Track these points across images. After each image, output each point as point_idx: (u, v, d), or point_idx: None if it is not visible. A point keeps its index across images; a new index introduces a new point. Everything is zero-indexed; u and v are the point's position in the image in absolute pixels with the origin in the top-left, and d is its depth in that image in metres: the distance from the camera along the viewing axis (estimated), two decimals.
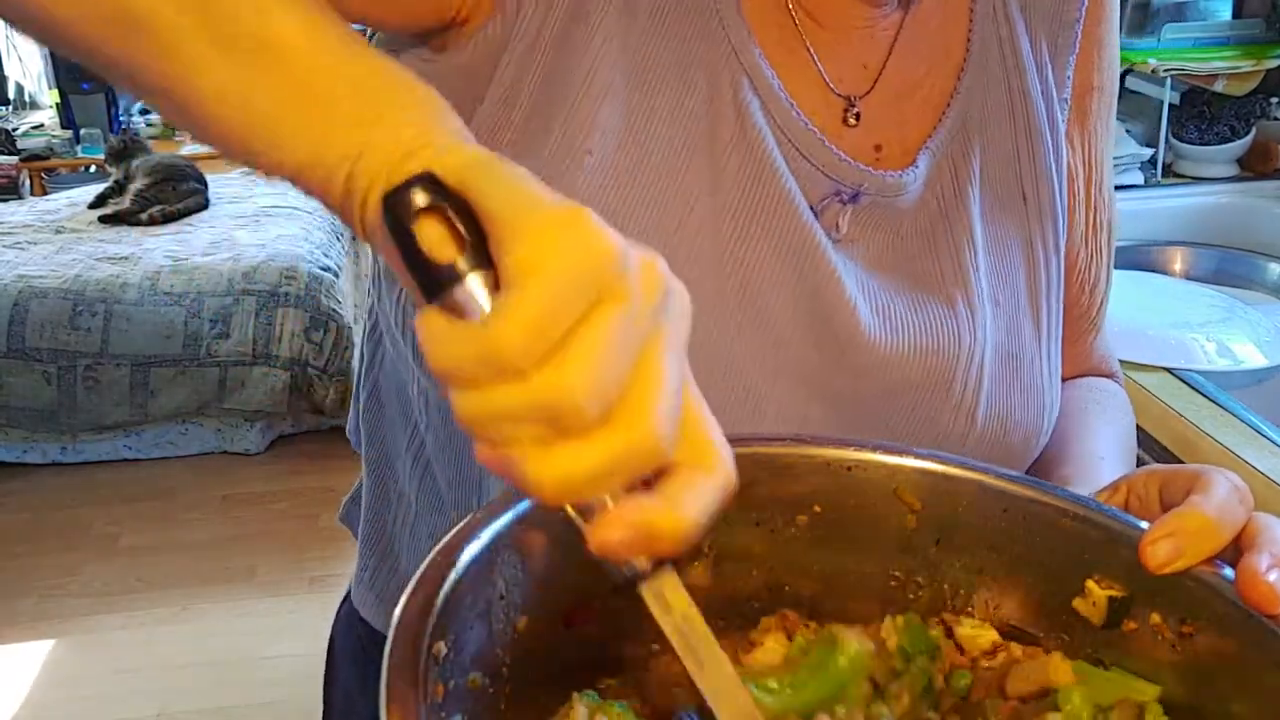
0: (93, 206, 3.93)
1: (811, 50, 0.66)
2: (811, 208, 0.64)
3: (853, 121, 0.67)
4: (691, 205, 0.62)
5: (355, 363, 0.87)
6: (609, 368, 0.35)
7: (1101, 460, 0.69)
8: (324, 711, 0.91)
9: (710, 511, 0.39)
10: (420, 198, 0.36)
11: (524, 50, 0.61)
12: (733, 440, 0.52)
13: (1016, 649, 0.51)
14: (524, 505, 0.45)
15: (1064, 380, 0.75)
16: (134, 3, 0.41)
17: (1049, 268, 0.71)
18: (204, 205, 3.93)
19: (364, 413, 0.82)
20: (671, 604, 0.40)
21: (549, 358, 0.34)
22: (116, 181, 3.99)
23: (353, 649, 0.86)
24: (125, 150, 3.98)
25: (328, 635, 0.91)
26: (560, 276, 0.35)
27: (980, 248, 0.68)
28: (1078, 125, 0.74)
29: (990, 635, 0.51)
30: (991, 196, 0.69)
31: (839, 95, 0.67)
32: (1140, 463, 0.75)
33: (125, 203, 3.85)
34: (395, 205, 0.36)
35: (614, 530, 0.37)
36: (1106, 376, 0.82)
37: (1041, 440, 0.71)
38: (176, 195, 3.85)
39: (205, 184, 3.97)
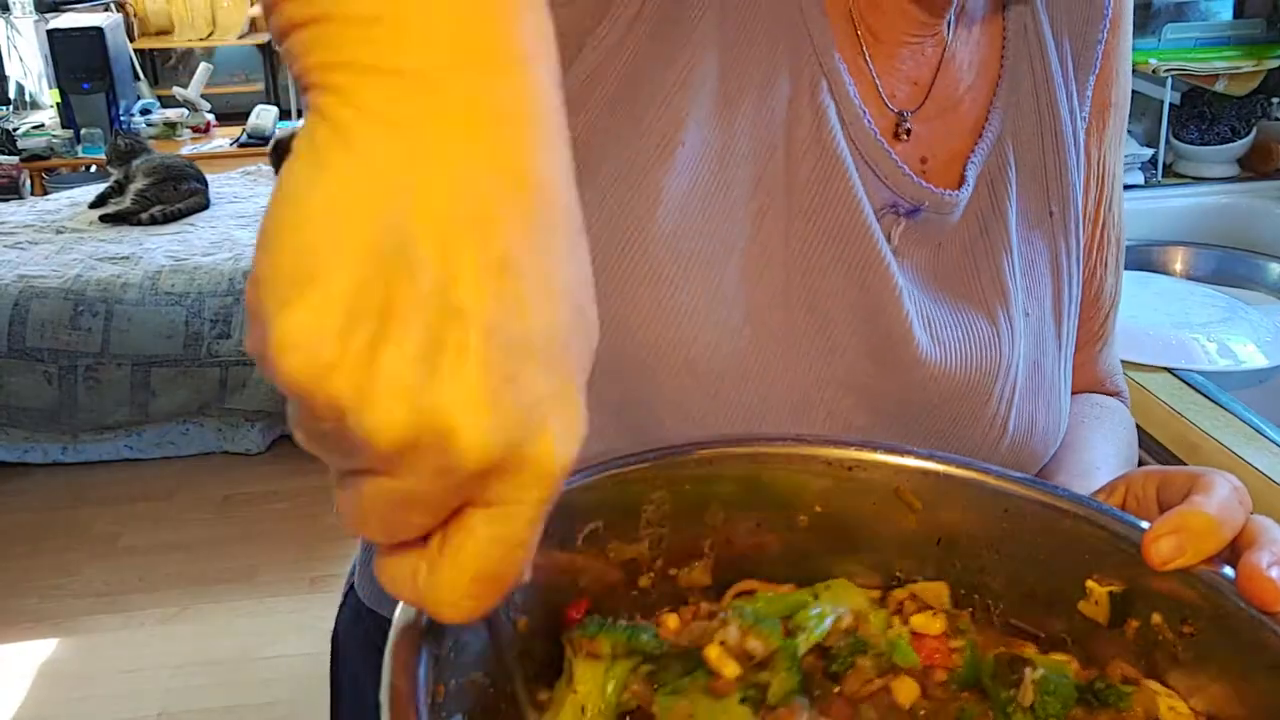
0: (93, 206, 3.93)
1: (870, 63, 0.67)
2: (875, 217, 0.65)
3: (904, 137, 0.68)
4: (770, 203, 0.63)
5: None
6: None
7: (1096, 470, 0.70)
8: (332, 703, 0.91)
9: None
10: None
11: (620, 30, 0.61)
12: (733, 440, 0.52)
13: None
14: None
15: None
16: None
17: (1071, 280, 0.73)
18: (205, 205, 3.93)
19: None
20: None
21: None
22: (117, 181, 3.99)
23: (360, 639, 0.86)
24: (128, 150, 3.98)
25: (329, 635, 0.91)
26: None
27: (1017, 261, 0.70)
28: (1095, 141, 0.76)
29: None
30: (1024, 210, 0.71)
31: (892, 110, 0.68)
32: (1141, 463, 0.75)
33: (126, 202, 3.85)
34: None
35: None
36: (1111, 395, 0.83)
37: (1056, 445, 0.72)
38: (178, 195, 3.85)
39: (206, 184, 3.97)
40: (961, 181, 0.68)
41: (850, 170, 0.64)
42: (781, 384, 0.63)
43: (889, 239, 0.66)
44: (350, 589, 0.89)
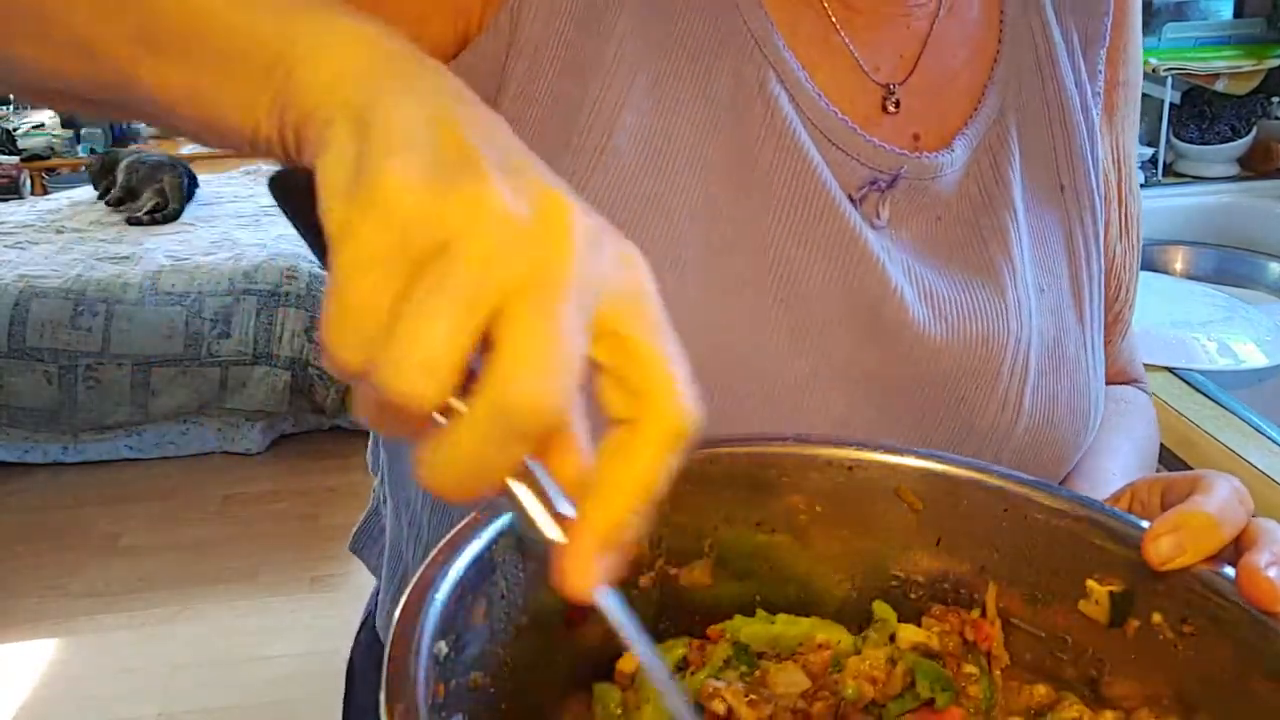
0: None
1: (846, 39, 0.66)
2: (851, 197, 0.64)
3: (892, 109, 0.67)
4: (724, 200, 0.62)
5: None
6: (425, 341, 0.31)
7: (1112, 476, 0.69)
8: None
9: (662, 469, 0.34)
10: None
11: (532, 51, 0.60)
12: (733, 440, 0.52)
13: None
14: None
15: None
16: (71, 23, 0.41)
17: (1089, 257, 0.71)
18: (183, 185, 3.94)
19: (374, 438, 0.81)
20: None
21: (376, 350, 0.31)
22: (105, 187, 4.05)
23: (376, 668, 0.85)
24: (106, 166, 4.08)
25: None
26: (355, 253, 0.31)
27: (1025, 235, 0.68)
28: (1106, 120, 0.75)
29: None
30: (1031, 185, 0.70)
31: (877, 83, 0.67)
32: None
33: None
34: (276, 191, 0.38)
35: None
36: (1132, 382, 0.82)
37: (1088, 435, 0.70)
38: (155, 182, 3.91)
39: (185, 168, 4.00)
40: (948, 148, 0.67)
41: (812, 155, 0.63)
42: (773, 384, 0.61)
43: (876, 216, 0.65)
44: (364, 624, 0.88)
